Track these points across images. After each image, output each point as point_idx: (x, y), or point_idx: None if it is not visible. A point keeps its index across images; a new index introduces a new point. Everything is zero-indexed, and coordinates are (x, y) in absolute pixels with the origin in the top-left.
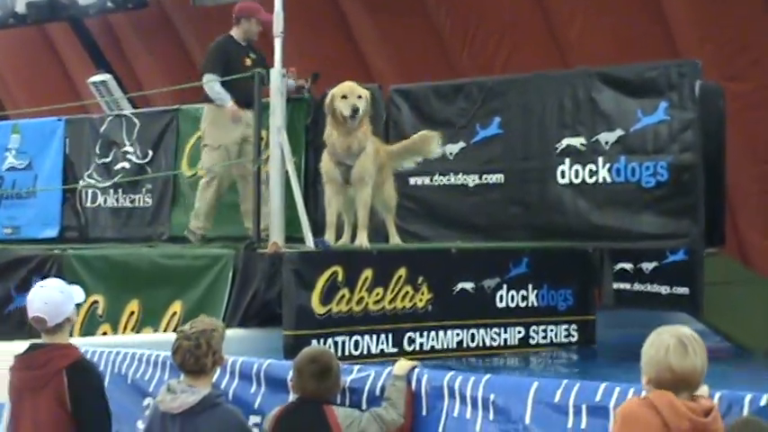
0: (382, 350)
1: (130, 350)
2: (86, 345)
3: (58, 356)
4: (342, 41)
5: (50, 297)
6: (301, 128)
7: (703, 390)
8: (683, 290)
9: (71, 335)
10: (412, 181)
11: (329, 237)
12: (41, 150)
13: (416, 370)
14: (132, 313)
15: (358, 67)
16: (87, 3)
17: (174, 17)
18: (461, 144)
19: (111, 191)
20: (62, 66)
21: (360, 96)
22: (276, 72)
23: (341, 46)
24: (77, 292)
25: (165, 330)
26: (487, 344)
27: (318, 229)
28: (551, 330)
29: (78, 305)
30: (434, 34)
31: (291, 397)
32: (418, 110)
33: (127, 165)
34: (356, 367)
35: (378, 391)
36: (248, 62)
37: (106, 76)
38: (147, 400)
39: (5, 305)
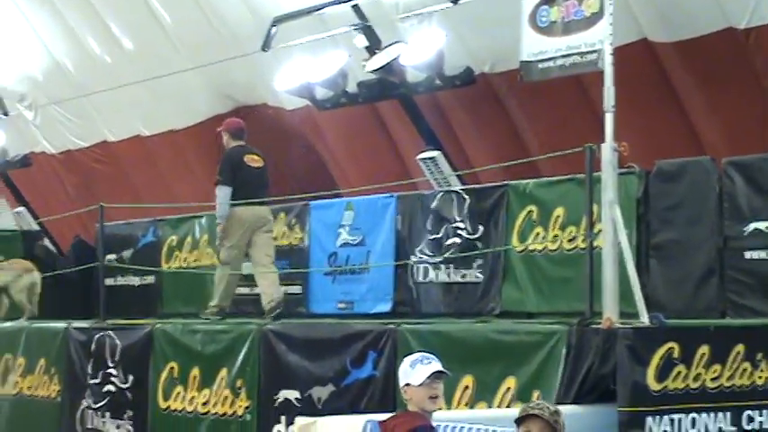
0: (720, 428)
1: (465, 425)
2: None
3: (399, 423)
4: (672, 115)
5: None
6: (632, 201)
7: None
8: None
9: None
10: (747, 255)
11: None
12: (374, 226)
13: None
14: (466, 388)
15: (688, 140)
16: (416, 81)
17: (501, 93)
18: None
19: (443, 266)
20: (392, 143)
21: None
22: (607, 146)
23: (671, 119)
24: (417, 371)
25: (498, 406)
26: None
27: (651, 304)
28: None
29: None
30: (766, 103)
31: None
32: (754, 182)
33: (458, 240)
34: None
35: None
36: None
37: (435, 153)
38: None
39: (342, 379)
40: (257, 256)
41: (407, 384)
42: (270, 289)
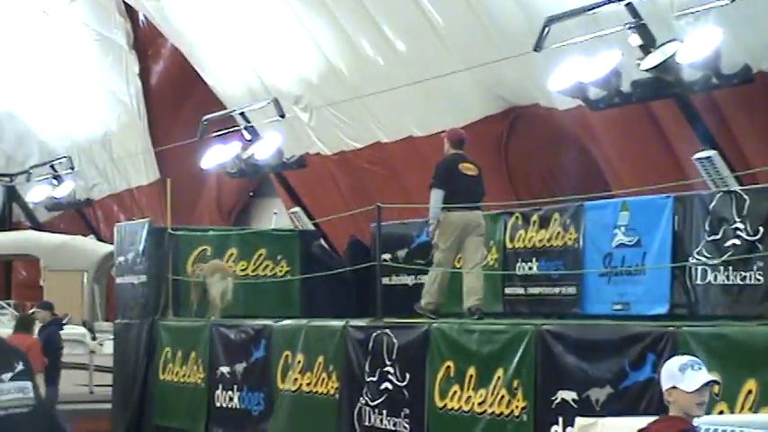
0: None
1: (748, 430)
2: (704, 423)
3: (665, 426)
4: None
5: None
6: None
7: None
8: None
9: None
10: None
11: None
12: (650, 227)
13: None
14: (749, 392)
15: None
16: (692, 80)
17: None
18: None
19: (722, 268)
20: (666, 143)
21: None
22: None
23: None
24: (688, 377)
25: None
26: None
27: None
28: None
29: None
30: None
31: None
32: None
33: (737, 242)
34: None
35: None
36: None
37: (712, 152)
38: None
39: (620, 381)
40: (468, 258)
41: (674, 387)
42: (476, 286)
